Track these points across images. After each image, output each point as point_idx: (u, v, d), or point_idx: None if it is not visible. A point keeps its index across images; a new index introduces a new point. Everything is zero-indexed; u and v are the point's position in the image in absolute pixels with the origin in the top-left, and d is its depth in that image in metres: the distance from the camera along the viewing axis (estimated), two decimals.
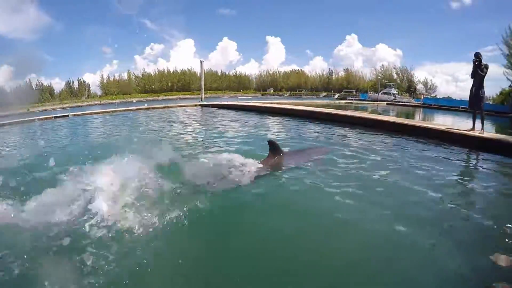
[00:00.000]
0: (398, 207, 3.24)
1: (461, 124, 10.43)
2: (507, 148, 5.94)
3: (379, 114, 14.59)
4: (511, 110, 24.16)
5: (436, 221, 3.00)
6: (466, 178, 4.66)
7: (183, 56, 69.48)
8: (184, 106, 16.66)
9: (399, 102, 35.38)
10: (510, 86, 28.32)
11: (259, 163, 4.34)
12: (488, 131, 7.47)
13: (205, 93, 22.48)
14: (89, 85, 59.21)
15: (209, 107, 15.95)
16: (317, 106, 13.97)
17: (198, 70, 18.88)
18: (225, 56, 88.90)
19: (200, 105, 16.30)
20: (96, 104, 43.92)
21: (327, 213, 3.11)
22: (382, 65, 62.07)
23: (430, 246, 2.58)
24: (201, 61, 18.39)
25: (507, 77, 27.61)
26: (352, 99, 38.46)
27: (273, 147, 4.65)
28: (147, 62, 76.40)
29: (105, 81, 59.41)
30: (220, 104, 16.16)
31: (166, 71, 64.32)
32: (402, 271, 2.29)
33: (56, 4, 74.08)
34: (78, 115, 14.17)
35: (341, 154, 5.41)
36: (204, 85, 21.64)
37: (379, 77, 54.34)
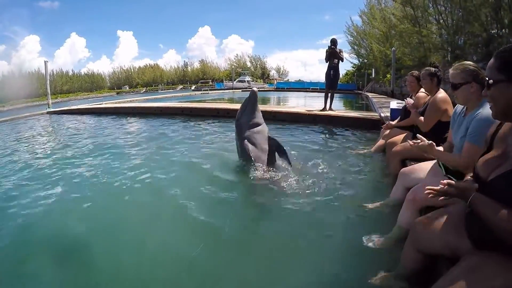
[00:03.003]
0: None
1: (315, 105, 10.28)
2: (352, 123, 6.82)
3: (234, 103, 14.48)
4: (356, 88, 29.82)
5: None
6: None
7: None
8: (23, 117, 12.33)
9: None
10: (352, 67, 35.08)
11: None
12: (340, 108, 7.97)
13: (55, 97, 18.13)
14: None
15: (61, 114, 12.49)
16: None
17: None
18: (74, 54, 76.29)
19: (48, 113, 12.89)
20: None
21: None
22: (236, 54, 65.60)
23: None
24: (45, 62, 14.89)
25: (349, 61, 32.17)
26: (207, 90, 37.47)
27: None
28: None
29: None
30: (85, 109, 12.65)
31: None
32: None
33: None
34: None
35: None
36: (54, 87, 17.40)
37: (233, 66, 56.95)
